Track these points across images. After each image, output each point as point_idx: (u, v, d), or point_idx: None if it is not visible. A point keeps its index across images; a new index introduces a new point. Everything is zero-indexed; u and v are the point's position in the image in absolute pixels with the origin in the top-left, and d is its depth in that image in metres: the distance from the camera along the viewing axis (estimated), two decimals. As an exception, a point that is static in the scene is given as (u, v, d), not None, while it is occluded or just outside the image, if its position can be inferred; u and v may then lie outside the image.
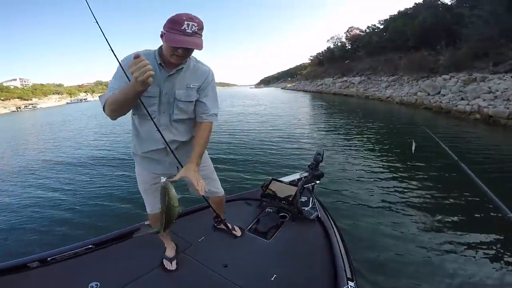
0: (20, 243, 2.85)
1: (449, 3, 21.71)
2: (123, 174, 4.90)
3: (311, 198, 2.07)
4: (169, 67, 1.15)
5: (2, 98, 77.54)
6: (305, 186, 2.13)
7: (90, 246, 1.65)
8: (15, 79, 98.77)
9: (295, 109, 15.61)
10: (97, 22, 1.09)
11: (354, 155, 5.34)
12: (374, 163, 4.74)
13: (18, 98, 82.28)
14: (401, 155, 5.20)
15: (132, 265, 1.52)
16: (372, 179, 3.97)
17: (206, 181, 1.27)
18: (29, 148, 9.13)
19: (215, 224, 1.84)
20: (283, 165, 4.87)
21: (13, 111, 66.52)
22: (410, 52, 21.36)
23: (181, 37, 0.99)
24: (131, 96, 0.99)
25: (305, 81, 47.25)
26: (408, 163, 4.52)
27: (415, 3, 26.49)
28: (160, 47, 1.15)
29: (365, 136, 7.16)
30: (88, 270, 1.49)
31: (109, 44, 1.07)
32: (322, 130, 8.44)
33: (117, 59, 1.10)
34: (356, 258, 1.81)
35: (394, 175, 4.10)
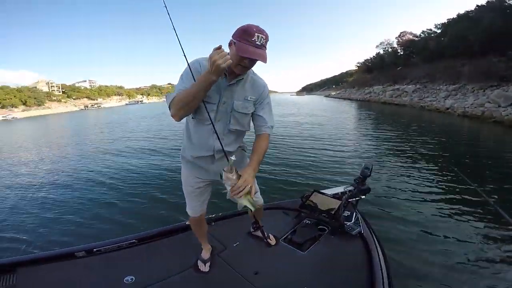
0: (68, 233, 3.06)
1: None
2: (167, 176, 5.12)
3: (354, 213, 1.97)
4: (230, 76, 1.18)
5: (74, 97, 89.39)
6: (349, 200, 2.05)
7: (133, 240, 1.73)
8: (85, 81, 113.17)
9: (338, 118, 15.04)
10: (174, 29, 1.17)
11: (404, 172, 4.91)
12: (427, 183, 4.32)
13: (86, 97, 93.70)
14: (460, 177, 4.28)
15: (168, 263, 1.58)
16: (422, 200, 3.65)
17: None
18: (88, 143, 10.42)
19: (252, 230, 1.87)
20: (324, 177, 4.67)
21: (82, 109, 75.99)
22: (475, 58, 19.26)
23: (252, 48, 1.02)
24: (203, 86, 1.04)
25: (351, 88, 45.58)
26: (467, 187, 3.90)
27: (477, 5, 23.75)
28: None
29: (418, 151, 6.49)
30: (127, 264, 1.57)
31: (182, 50, 1.15)
32: (368, 142, 7.92)
33: (187, 62, 1.15)
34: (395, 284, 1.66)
35: (448, 198, 3.67)
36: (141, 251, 1.70)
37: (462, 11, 26.60)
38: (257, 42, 1.02)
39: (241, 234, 1.86)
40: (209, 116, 1.15)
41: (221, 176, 1.02)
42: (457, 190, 3.94)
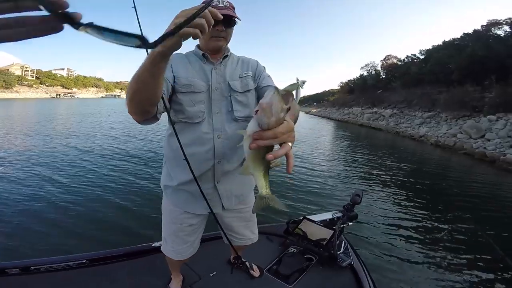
0: (5, 246, 2.58)
1: (502, 35, 19.09)
2: (132, 184, 4.51)
3: (343, 242, 1.80)
4: (213, 57, 1.03)
5: (47, 84, 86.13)
6: (341, 229, 1.88)
7: (84, 261, 1.47)
8: (63, 69, 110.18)
9: (316, 137, 14.65)
10: (135, 7, 1.04)
11: (378, 197, 4.94)
12: (402, 209, 4.40)
13: (61, 85, 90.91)
14: (433, 204, 4.73)
15: None
16: (402, 227, 3.69)
17: (245, 224, 1.23)
18: (51, 134, 9.84)
19: (232, 261, 1.60)
20: (307, 199, 4.43)
21: (53, 97, 73.39)
22: (453, 87, 18.79)
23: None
24: (145, 63, 0.65)
25: (331, 107, 45.30)
26: (447, 215, 4.19)
27: (464, 33, 24.05)
28: (196, 46, 1.07)
29: (394, 178, 6.59)
30: (74, 287, 1.36)
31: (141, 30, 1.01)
32: (345, 164, 7.87)
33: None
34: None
35: (424, 225, 3.80)
36: (94, 273, 1.43)
37: (448, 39, 26.86)
38: (219, 5, 0.92)
39: (219, 262, 1.62)
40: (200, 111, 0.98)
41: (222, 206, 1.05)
42: (429, 217, 4.09)
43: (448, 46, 24.87)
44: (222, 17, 0.58)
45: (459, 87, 17.77)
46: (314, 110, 51.91)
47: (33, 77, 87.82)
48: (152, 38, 0.80)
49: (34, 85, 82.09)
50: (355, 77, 46.12)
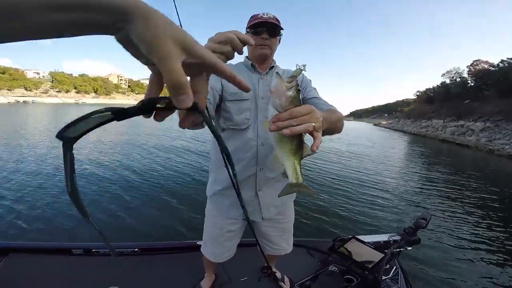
0: (68, 229, 2.95)
1: None
2: (189, 189, 4.70)
3: (394, 267, 1.68)
4: (260, 67, 1.08)
5: (136, 92, 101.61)
6: (394, 253, 1.74)
7: (136, 249, 1.65)
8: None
9: (385, 151, 13.22)
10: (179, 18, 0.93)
11: (457, 227, 4.18)
12: (485, 245, 3.62)
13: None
14: None
15: (163, 281, 1.49)
16: (474, 265, 3.11)
17: (283, 235, 1.22)
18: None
19: (264, 272, 1.62)
20: (361, 220, 4.04)
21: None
22: None
23: (260, 20, 0.97)
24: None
25: (405, 119, 41.18)
26: None
27: None
28: (246, 56, 1.12)
29: (479, 206, 5.42)
30: (125, 270, 1.52)
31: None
32: (416, 185, 6.81)
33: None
34: None
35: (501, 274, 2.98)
36: (140, 262, 1.62)
37: None
38: (264, 16, 0.99)
39: (253, 268, 1.64)
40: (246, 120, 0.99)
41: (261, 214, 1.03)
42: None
43: None
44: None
45: None
46: (384, 122, 48.11)
47: (126, 85, 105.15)
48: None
49: (126, 93, 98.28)
50: (436, 85, 41.40)
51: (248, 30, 1.02)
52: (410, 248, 1.81)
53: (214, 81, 0.96)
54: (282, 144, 0.57)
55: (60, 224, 3.09)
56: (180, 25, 0.77)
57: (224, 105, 1.01)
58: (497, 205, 5.52)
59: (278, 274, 1.53)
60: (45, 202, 3.71)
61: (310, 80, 1.15)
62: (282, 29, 1.02)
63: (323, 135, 0.63)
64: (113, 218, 3.36)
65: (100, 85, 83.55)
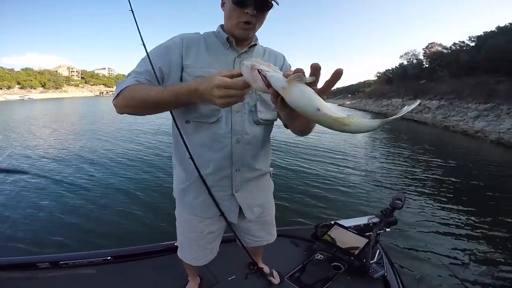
0: (32, 241, 2.71)
1: None
2: (162, 183, 4.46)
3: (377, 251, 1.63)
4: (238, 45, 0.87)
5: (91, 83, 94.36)
6: (378, 237, 1.68)
7: (109, 257, 1.51)
8: (104, 68, 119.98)
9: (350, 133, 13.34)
10: (132, 10, 0.92)
11: (424, 202, 4.44)
12: (452, 216, 3.93)
13: (103, 84, 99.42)
14: (489, 214, 4.02)
15: None
16: (449, 236, 3.33)
17: (264, 227, 1.16)
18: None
19: (251, 267, 1.48)
20: (339, 202, 4.16)
21: (97, 95, 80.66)
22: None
23: None
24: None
25: (367, 99, 42.74)
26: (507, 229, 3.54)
27: None
28: (220, 26, 0.88)
29: (442, 180, 5.79)
30: (98, 282, 1.41)
31: (141, 37, 0.89)
32: (383, 164, 7.11)
33: (146, 50, 0.82)
34: None
35: (473, 238, 3.30)
36: (115, 270, 1.48)
37: (502, 24, 24.06)
38: None
39: (238, 265, 1.52)
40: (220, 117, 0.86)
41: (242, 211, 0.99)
42: (487, 227, 3.59)
43: (506, 32, 22.23)
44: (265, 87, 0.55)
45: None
46: (348, 102, 49.53)
47: (78, 77, 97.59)
48: (152, 43, 0.84)
49: (80, 85, 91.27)
50: (394, 67, 43.18)
51: None
52: (389, 229, 1.81)
53: (163, 60, 0.80)
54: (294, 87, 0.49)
55: (21, 236, 2.81)
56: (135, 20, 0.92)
57: None
58: (454, 180, 5.80)
59: (266, 269, 1.46)
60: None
61: (290, 66, 1.01)
62: (277, 3, 0.81)
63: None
64: (78, 224, 3.09)
65: (48, 79, 74.83)
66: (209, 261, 1.12)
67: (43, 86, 72.83)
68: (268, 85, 0.52)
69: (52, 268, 1.43)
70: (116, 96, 0.76)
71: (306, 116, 0.49)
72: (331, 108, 0.47)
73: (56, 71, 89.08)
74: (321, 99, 0.48)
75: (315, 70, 0.48)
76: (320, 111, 0.46)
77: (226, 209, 0.97)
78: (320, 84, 0.50)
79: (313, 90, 0.48)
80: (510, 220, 3.85)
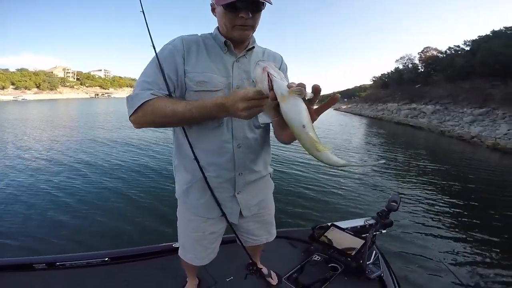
0: (29, 242, 2.72)
1: None
2: (159, 185, 4.45)
3: (374, 252, 1.67)
4: (236, 49, 0.87)
5: (86, 85, 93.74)
6: (374, 239, 1.73)
7: (106, 258, 1.50)
8: (100, 70, 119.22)
9: (347, 135, 13.53)
10: (143, 11, 0.90)
11: (419, 205, 4.43)
12: (447, 221, 3.89)
13: (99, 86, 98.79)
14: (484, 218, 4.03)
15: None
16: (443, 240, 3.31)
17: (263, 226, 1.18)
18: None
19: (249, 268, 1.50)
20: (335, 204, 4.19)
21: (92, 97, 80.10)
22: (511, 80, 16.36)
23: None
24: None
25: (363, 103, 42.72)
26: (502, 233, 3.53)
27: None
28: (217, 28, 0.87)
29: (436, 184, 5.80)
30: (96, 284, 1.39)
31: (151, 39, 0.85)
32: (379, 167, 7.18)
33: (156, 53, 0.82)
34: None
35: (468, 243, 3.28)
36: (113, 272, 1.47)
37: (498, 28, 24.06)
38: None
39: (237, 266, 1.54)
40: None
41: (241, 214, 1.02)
42: (482, 230, 3.58)
43: (501, 36, 22.16)
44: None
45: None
46: (344, 107, 49.62)
47: (74, 78, 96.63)
48: (160, 42, 0.82)
49: (75, 86, 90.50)
50: (390, 71, 43.17)
51: (217, 4, 0.80)
52: (385, 231, 1.82)
53: (169, 67, 0.80)
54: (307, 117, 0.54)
55: (17, 237, 2.79)
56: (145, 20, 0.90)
57: (188, 96, 0.83)
58: (449, 184, 5.78)
59: (265, 270, 1.46)
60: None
61: (287, 67, 1.05)
62: (270, 3, 0.77)
63: None
64: (74, 226, 3.08)
65: (43, 80, 74.22)
66: (211, 260, 1.13)
67: (38, 87, 72.10)
68: (271, 88, 0.55)
69: (48, 269, 1.42)
70: (134, 112, 0.75)
71: (290, 128, 0.53)
72: (314, 131, 0.52)
73: (52, 72, 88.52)
74: (310, 118, 0.52)
75: (316, 91, 0.54)
76: (304, 129, 0.51)
77: (228, 210, 0.99)
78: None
79: (306, 108, 0.52)
80: (504, 223, 3.90)
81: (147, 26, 0.88)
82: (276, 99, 0.54)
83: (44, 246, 2.64)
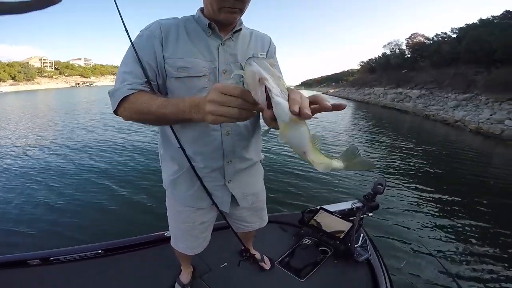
0: (22, 237, 2.69)
1: None
2: (147, 176, 4.36)
3: (361, 235, 1.70)
4: (223, 30, 0.80)
5: (66, 74, 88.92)
6: (361, 222, 1.76)
7: (100, 251, 1.51)
8: (80, 59, 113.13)
9: (334, 118, 13.40)
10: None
11: (404, 188, 4.53)
12: (432, 203, 3.98)
13: (79, 75, 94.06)
14: (468, 200, 4.17)
15: (139, 280, 1.38)
16: (428, 222, 3.34)
17: (255, 213, 1.16)
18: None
19: (243, 254, 1.46)
20: (324, 188, 4.18)
21: (73, 87, 76.43)
22: (495, 67, 16.79)
23: None
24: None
25: (350, 87, 43.02)
26: (485, 213, 3.71)
27: (506, 10, 21.64)
28: (200, 10, 0.82)
29: (421, 167, 5.88)
30: (91, 276, 1.40)
31: (123, 22, 0.78)
32: (365, 150, 7.13)
33: (130, 40, 0.75)
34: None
35: (452, 223, 3.37)
36: (107, 264, 1.47)
37: (483, 17, 24.47)
38: None
39: (230, 253, 1.56)
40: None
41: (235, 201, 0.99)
42: (467, 212, 3.70)
43: (487, 24, 22.62)
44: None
45: (503, 68, 15.84)
46: (332, 90, 49.95)
47: (52, 68, 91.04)
48: (134, 30, 0.75)
49: (54, 76, 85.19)
50: (377, 56, 43.34)
51: None
52: (371, 214, 1.84)
53: (148, 54, 0.74)
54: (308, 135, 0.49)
55: (7, 233, 2.75)
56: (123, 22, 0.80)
57: (169, 83, 0.77)
58: (434, 167, 5.86)
59: (258, 255, 1.48)
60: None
61: (275, 49, 0.98)
62: None
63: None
64: (65, 218, 3.04)
65: (19, 71, 68.88)
66: (204, 248, 1.12)
67: (13, 78, 67.42)
68: (269, 106, 0.45)
69: (43, 265, 1.41)
70: (117, 108, 0.72)
71: (291, 147, 0.50)
72: (314, 147, 0.49)
73: (27, 62, 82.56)
74: (310, 141, 0.48)
75: (325, 109, 0.48)
76: (305, 154, 0.49)
77: (218, 199, 0.96)
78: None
79: (308, 131, 0.47)
80: (487, 204, 3.99)
81: (117, 8, 0.78)
82: (274, 117, 0.45)
83: (37, 241, 2.63)
